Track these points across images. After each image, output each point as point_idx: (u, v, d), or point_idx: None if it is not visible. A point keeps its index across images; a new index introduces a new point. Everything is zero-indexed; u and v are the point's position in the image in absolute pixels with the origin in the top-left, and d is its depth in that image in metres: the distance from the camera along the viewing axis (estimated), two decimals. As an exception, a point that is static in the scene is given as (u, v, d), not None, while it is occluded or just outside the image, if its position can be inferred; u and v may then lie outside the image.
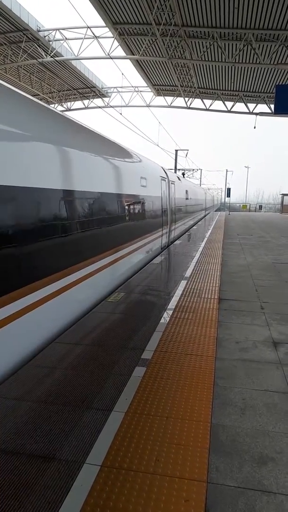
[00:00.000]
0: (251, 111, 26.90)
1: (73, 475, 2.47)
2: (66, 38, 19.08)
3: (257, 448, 2.76)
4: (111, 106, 27.08)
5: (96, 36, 18.41)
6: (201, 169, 58.91)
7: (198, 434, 2.89)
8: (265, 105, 26.26)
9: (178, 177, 18.84)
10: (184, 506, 2.25)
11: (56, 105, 29.42)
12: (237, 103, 26.77)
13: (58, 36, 18.92)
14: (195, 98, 27.42)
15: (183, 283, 7.62)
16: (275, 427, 3.01)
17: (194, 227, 23.19)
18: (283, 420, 3.10)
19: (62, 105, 30.17)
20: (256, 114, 26.38)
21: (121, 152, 8.55)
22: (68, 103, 30.49)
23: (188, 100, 27.69)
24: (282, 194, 60.18)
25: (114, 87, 28.66)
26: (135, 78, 58.08)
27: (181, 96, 27.00)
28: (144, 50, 18.53)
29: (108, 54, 18.60)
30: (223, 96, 26.46)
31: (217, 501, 2.29)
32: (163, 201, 12.84)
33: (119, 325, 5.18)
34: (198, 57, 18.85)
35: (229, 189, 55.36)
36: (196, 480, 2.44)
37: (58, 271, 4.84)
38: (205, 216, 38.39)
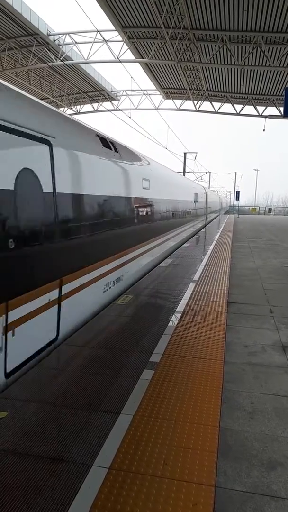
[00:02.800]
0: (260, 113, 26.83)
1: (81, 477, 2.47)
2: (75, 42, 19.24)
3: (266, 453, 2.74)
4: (120, 109, 27.21)
5: (105, 40, 18.54)
6: (210, 172, 58.86)
7: (206, 438, 2.88)
8: (274, 108, 26.18)
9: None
10: (192, 510, 2.24)
11: (66, 108, 29.63)
12: (246, 106, 26.74)
13: (68, 40, 19.10)
14: (204, 101, 27.44)
15: (191, 286, 7.60)
16: (284, 431, 2.98)
17: (202, 230, 23.19)
18: (292, 425, 3.07)
19: (71, 109, 30.38)
20: (266, 116, 26.31)
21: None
22: (78, 106, 30.70)
23: (197, 103, 27.71)
24: (292, 197, 59.68)
25: (123, 90, 28.78)
26: (144, 81, 58.15)
27: (190, 99, 27.03)
28: (153, 53, 18.61)
29: (118, 58, 18.72)
30: (232, 99, 26.43)
31: (225, 505, 2.27)
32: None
33: (127, 328, 5.18)
34: (207, 60, 18.88)
35: (238, 192, 55.23)
36: (204, 484, 2.43)
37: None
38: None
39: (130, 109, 27.93)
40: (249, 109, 27.15)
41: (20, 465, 2.55)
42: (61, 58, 19.53)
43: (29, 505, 2.24)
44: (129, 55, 19.30)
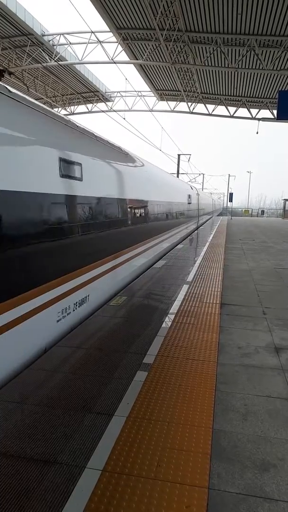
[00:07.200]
0: (253, 116, 26.98)
1: (74, 479, 2.46)
2: (70, 43, 19.20)
3: (259, 455, 2.74)
4: (114, 111, 27.19)
5: (100, 41, 18.53)
6: (203, 174, 59.08)
7: (199, 440, 2.88)
8: (267, 111, 26.35)
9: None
10: (185, 512, 2.23)
11: (60, 109, 29.55)
12: (240, 108, 26.88)
13: (62, 40, 19.05)
14: (198, 103, 27.54)
15: (185, 288, 7.61)
16: (277, 433, 2.99)
17: (195, 232, 23.31)
18: (285, 426, 3.08)
19: (65, 109, 30.31)
20: (259, 119, 26.44)
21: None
22: (72, 107, 30.65)
23: (191, 105, 27.80)
24: (284, 199, 60.24)
25: (117, 92, 28.78)
26: (139, 82, 58.20)
27: (184, 101, 27.11)
28: (147, 55, 18.64)
29: (112, 59, 18.71)
30: (226, 101, 26.56)
31: (219, 507, 2.28)
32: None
33: (121, 329, 5.17)
34: (201, 62, 18.94)
35: (231, 194, 55.51)
36: (198, 486, 2.43)
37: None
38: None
39: (124, 110, 27.90)
40: (243, 112, 27.31)
41: (12, 468, 2.53)
42: (55, 59, 19.48)
43: (21, 508, 2.23)
44: (124, 56, 19.32)
